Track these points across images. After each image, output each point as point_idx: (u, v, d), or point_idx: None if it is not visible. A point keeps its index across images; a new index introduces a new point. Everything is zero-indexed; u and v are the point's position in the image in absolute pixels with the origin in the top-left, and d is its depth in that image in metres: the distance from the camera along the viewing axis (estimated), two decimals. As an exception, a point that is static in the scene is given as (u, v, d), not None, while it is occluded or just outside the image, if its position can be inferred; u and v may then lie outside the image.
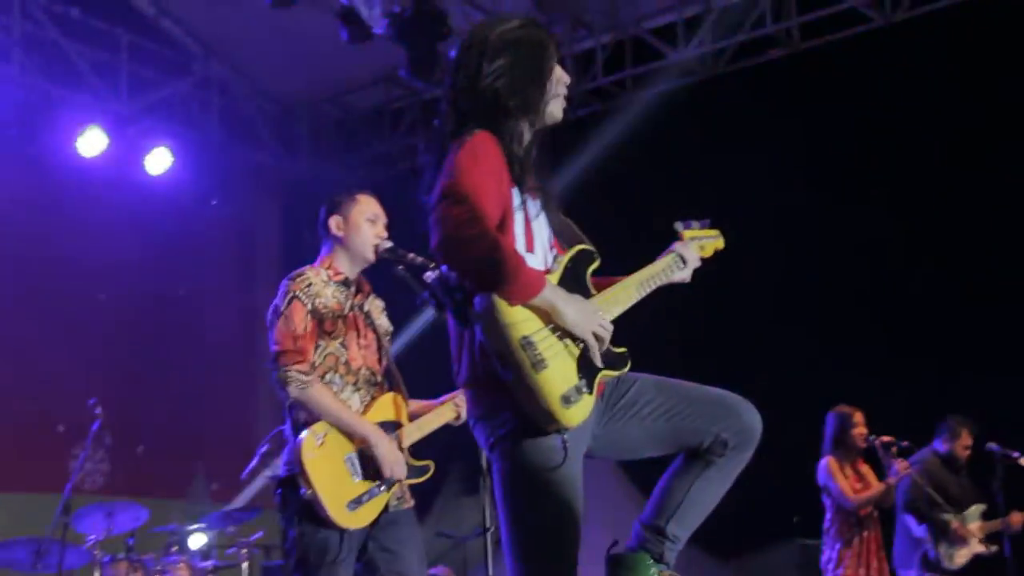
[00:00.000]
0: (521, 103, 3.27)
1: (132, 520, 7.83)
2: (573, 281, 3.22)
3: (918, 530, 7.68)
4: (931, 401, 8.04)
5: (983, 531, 7.70)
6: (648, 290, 3.49)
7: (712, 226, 3.89)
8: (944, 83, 8.68)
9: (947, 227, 8.72)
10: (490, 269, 2.97)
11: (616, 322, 3.25)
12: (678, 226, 3.78)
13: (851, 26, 9.48)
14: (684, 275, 3.63)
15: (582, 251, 3.30)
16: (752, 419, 3.33)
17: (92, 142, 9.98)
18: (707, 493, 3.34)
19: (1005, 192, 8.49)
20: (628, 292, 3.41)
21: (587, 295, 3.23)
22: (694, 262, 3.66)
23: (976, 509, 7.78)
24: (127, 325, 10.69)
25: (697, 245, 3.74)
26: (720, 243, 3.87)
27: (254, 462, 8.06)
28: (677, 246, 3.65)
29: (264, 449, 7.97)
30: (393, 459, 4.47)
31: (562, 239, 3.35)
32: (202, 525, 8.20)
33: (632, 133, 9.79)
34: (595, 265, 3.32)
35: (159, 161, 10.51)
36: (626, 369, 3.25)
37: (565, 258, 3.25)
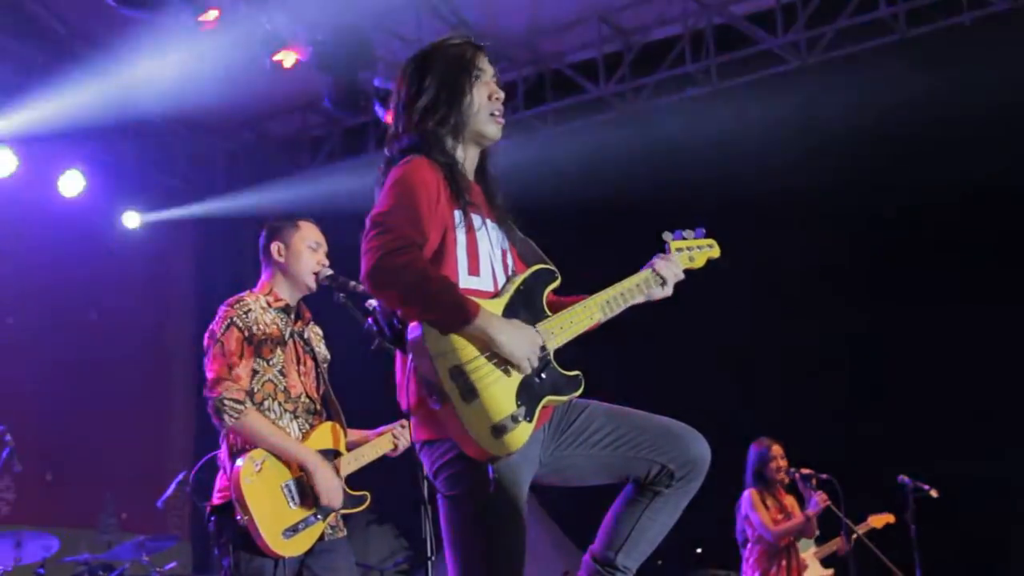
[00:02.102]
0: (440, 118, 3.29)
1: (42, 550, 7.65)
2: (525, 302, 3.22)
3: None
4: (848, 433, 8.21)
5: (818, 556, 7.86)
6: (619, 308, 3.41)
7: (707, 235, 3.75)
8: (857, 124, 8.92)
9: (865, 264, 8.94)
10: (417, 298, 2.98)
11: (572, 344, 3.23)
12: (666, 236, 3.67)
13: (767, 67, 9.68)
14: (665, 292, 3.54)
15: (539, 271, 3.30)
16: (699, 450, 3.32)
17: (2, 163, 9.78)
18: (656, 524, 3.33)
19: (920, 231, 8.73)
20: (589, 312, 3.34)
21: (540, 316, 3.23)
22: (675, 277, 3.55)
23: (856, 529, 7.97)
24: (36, 349, 10.46)
25: (686, 256, 3.65)
26: (715, 252, 3.76)
27: (170, 490, 7.96)
28: (656, 261, 3.55)
29: (181, 477, 7.88)
30: (331, 487, 4.44)
31: (523, 259, 3.36)
32: (114, 554, 8.04)
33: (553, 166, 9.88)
34: (553, 285, 3.31)
35: (71, 183, 10.34)
36: (577, 393, 3.21)
37: (518, 279, 3.26)
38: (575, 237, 8.60)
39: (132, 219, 11.00)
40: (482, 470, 3.05)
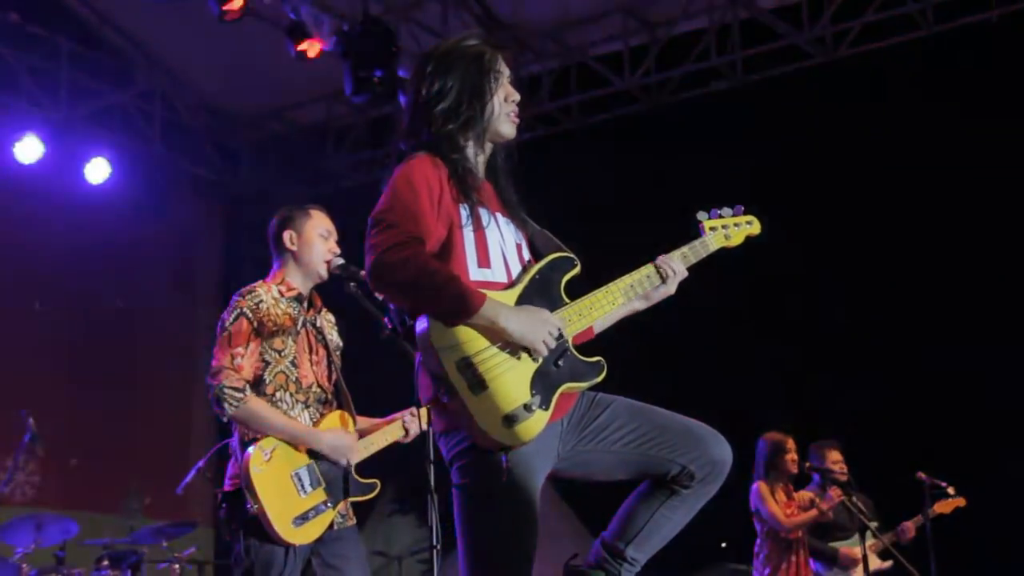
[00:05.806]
0: (464, 120, 3.28)
1: (61, 533, 7.69)
2: (540, 291, 3.20)
3: (814, 565, 7.72)
4: (864, 424, 8.19)
5: (875, 548, 7.72)
6: (638, 294, 3.43)
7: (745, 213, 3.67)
8: (883, 119, 8.88)
9: (884, 255, 8.88)
10: (420, 292, 2.99)
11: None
12: (701, 215, 3.63)
13: (793, 61, 9.65)
14: (666, 290, 3.51)
15: (556, 259, 3.29)
16: (721, 453, 3.29)
17: (28, 150, 9.86)
18: (670, 521, 3.33)
19: (939, 218, 8.68)
20: (611, 296, 3.34)
21: (557, 304, 3.21)
22: (676, 275, 3.51)
23: (872, 527, 7.90)
24: (62, 336, 10.56)
25: (721, 235, 3.63)
26: (755, 228, 3.71)
27: (189, 476, 8.01)
28: (660, 259, 3.51)
29: (200, 464, 7.92)
30: (341, 445, 4.47)
31: (543, 251, 3.35)
32: (133, 539, 8.10)
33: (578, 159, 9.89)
34: (573, 272, 3.29)
35: (98, 171, 10.39)
36: (598, 378, 3.19)
37: (534, 268, 3.24)
38: (603, 229, 8.63)
39: (158, 207, 11.04)
40: (494, 460, 3.05)
